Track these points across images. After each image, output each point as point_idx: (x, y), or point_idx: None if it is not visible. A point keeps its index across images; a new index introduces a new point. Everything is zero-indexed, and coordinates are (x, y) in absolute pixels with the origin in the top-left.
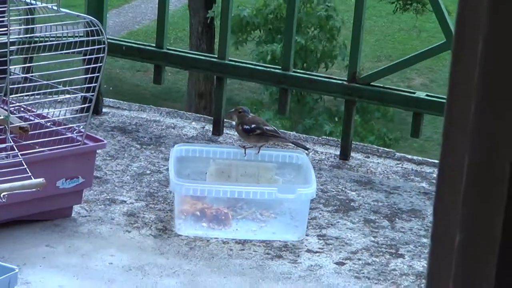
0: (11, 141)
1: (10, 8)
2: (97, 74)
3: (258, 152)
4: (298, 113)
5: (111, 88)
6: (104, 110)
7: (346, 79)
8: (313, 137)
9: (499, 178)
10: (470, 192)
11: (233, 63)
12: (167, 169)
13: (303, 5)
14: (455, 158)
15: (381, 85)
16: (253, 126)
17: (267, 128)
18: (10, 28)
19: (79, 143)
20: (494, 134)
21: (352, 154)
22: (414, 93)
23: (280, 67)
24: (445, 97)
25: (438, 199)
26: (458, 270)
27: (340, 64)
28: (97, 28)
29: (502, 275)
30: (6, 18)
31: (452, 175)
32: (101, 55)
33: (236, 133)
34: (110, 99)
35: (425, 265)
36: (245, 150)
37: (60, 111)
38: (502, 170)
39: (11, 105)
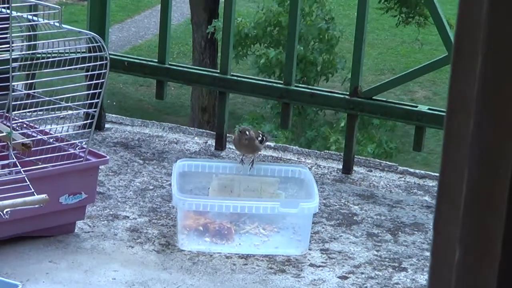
0: (14, 158)
1: (12, 25)
2: (100, 90)
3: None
4: (300, 126)
5: (114, 103)
6: (106, 125)
7: (348, 93)
8: (316, 151)
9: (499, 193)
10: (470, 207)
11: (235, 78)
12: (170, 185)
13: (303, 19)
14: (455, 173)
15: (384, 99)
16: (262, 134)
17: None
18: (13, 45)
19: (82, 159)
20: (493, 149)
21: (355, 168)
22: (416, 106)
23: (281, 82)
24: None
25: (438, 214)
26: (458, 285)
27: (340, 74)
28: (99, 44)
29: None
30: (8, 35)
31: (452, 190)
32: (103, 71)
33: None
34: (113, 115)
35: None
36: (242, 161)
37: (62, 127)
38: (502, 185)
39: (13, 122)
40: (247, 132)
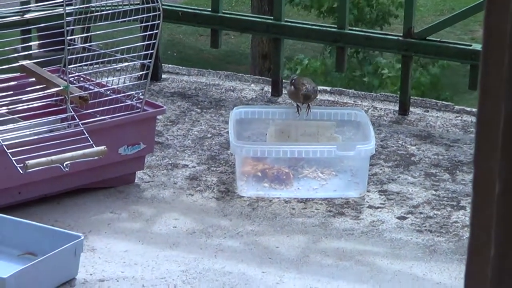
0: (72, 111)
1: None
2: (154, 41)
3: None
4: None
5: (175, 54)
6: (163, 76)
7: (401, 34)
8: (372, 94)
9: None
10: (508, 142)
11: (289, 24)
12: (228, 132)
13: None
14: (493, 108)
15: (437, 39)
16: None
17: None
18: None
19: (139, 110)
20: None
21: (411, 109)
22: (470, 45)
23: (335, 26)
24: None
25: (478, 150)
26: (499, 220)
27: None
28: None
29: None
30: None
31: (490, 125)
32: (157, 22)
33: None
34: (169, 65)
35: None
36: (298, 108)
37: (119, 79)
38: None
39: (70, 75)
40: (304, 87)
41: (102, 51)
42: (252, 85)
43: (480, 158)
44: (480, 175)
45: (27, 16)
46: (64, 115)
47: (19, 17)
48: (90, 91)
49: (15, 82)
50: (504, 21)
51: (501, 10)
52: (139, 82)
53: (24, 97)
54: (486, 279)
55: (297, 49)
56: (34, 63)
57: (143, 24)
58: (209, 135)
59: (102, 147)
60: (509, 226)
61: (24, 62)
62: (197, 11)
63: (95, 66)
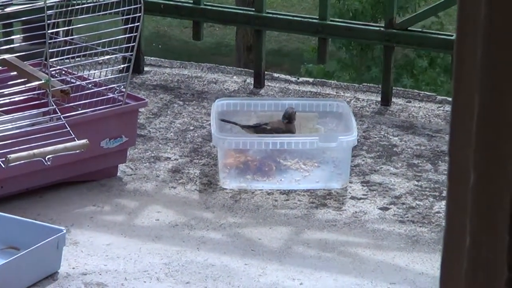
0: (53, 104)
1: None
2: (135, 34)
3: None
4: (364, 63)
5: (160, 46)
6: (146, 68)
7: (383, 25)
8: (354, 84)
9: (509, 117)
10: (481, 130)
11: (270, 15)
12: (210, 124)
13: None
14: (467, 98)
15: (419, 29)
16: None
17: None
18: None
19: (121, 102)
20: (501, 72)
21: (394, 99)
22: (452, 35)
23: (317, 17)
24: None
25: (452, 139)
26: (473, 210)
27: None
28: None
29: None
30: None
31: (464, 115)
32: (138, 14)
33: (278, 85)
34: (152, 58)
35: None
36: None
37: (101, 72)
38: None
39: (51, 69)
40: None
41: (84, 44)
42: (235, 77)
43: (455, 148)
44: (455, 165)
45: (8, 10)
46: (45, 109)
47: (0, 11)
48: (72, 85)
49: None
50: (477, 12)
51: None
52: (121, 75)
53: (6, 91)
54: (462, 270)
55: (282, 40)
56: (17, 56)
57: (125, 17)
58: (191, 128)
59: (84, 141)
60: (483, 216)
61: (6, 56)
62: (179, 3)
63: (77, 59)
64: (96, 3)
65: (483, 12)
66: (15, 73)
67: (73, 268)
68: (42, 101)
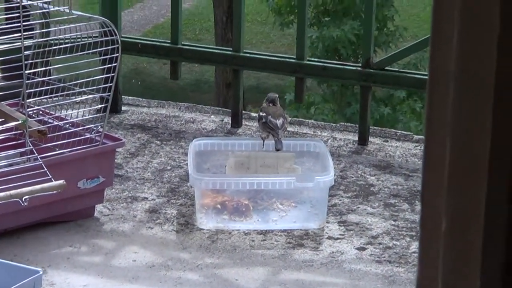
0: (30, 145)
1: (24, 13)
2: (113, 74)
3: (263, 145)
4: (344, 99)
5: (139, 83)
6: (123, 108)
7: (360, 65)
8: (331, 124)
9: (480, 164)
10: (453, 178)
11: (248, 55)
12: (187, 164)
13: None
14: (439, 143)
15: (396, 69)
16: (262, 114)
17: (271, 119)
18: (25, 33)
19: (98, 143)
20: (472, 119)
21: (371, 139)
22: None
23: (294, 57)
24: None
25: (424, 185)
26: (445, 257)
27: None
28: (110, 28)
29: (488, 252)
30: (20, 24)
31: (436, 160)
32: (116, 54)
33: (256, 124)
34: (129, 97)
35: None
36: (263, 142)
37: (78, 112)
38: (483, 153)
39: (29, 109)
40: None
41: (62, 84)
42: (212, 116)
43: (427, 195)
44: (427, 212)
45: None
46: (23, 149)
47: None
48: (49, 125)
49: None
50: (448, 57)
51: (446, 46)
52: (98, 115)
53: None
54: None
55: (262, 76)
56: None
57: (102, 57)
58: (168, 167)
59: (61, 181)
60: (454, 262)
61: None
62: (157, 43)
63: (54, 99)
64: (74, 44)
65: (453, 60)
66: None
67: None
68: (19, 141)
